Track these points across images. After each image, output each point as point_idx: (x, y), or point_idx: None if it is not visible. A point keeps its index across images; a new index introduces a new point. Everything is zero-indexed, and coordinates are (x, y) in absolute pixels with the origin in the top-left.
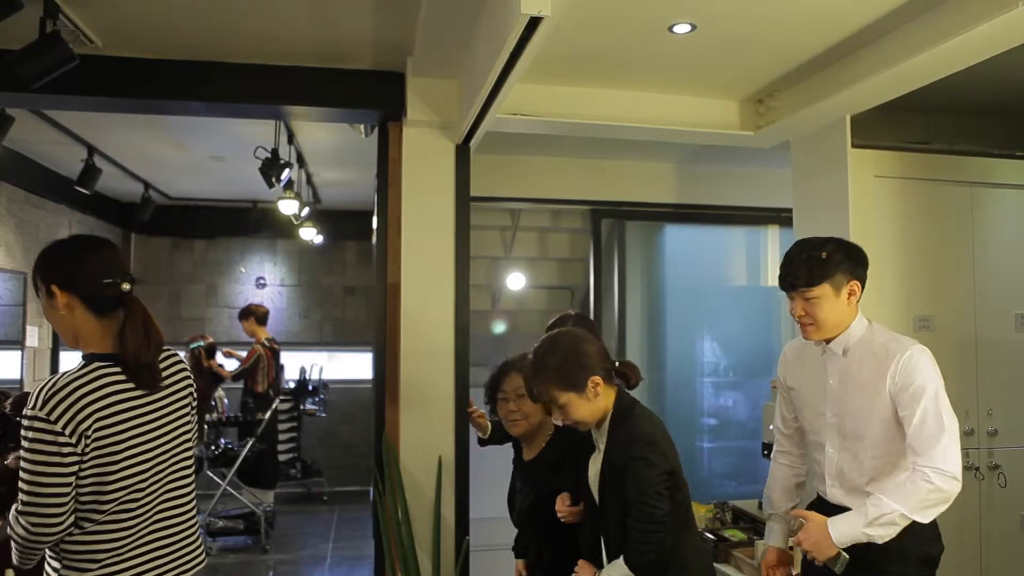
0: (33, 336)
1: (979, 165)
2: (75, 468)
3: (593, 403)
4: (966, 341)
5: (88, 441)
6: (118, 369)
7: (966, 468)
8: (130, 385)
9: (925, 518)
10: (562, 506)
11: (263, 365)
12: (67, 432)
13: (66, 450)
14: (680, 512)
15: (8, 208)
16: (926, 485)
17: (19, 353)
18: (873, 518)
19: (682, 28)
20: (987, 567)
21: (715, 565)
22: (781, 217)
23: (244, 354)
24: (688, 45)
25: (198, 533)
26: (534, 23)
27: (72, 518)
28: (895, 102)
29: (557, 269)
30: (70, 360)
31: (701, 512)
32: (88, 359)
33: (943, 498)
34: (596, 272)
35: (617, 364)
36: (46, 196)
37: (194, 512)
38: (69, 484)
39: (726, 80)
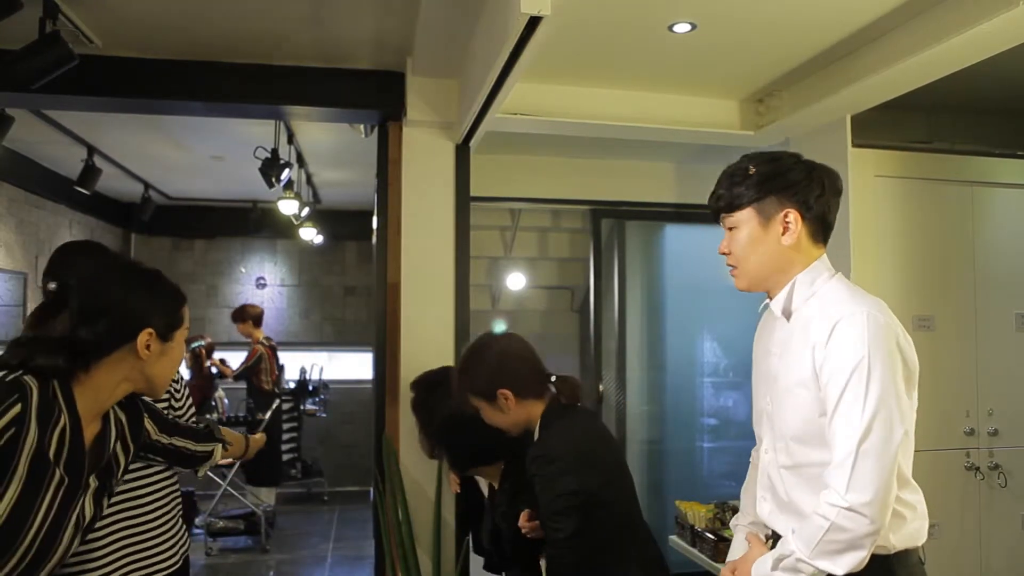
0: None
1: (980, 165)
2: None
3: (508, 414)
4: (967, 341)
5: None
6: None
7: (966, 468)
8: None
9: (835, 567)
10: (524, 521)
11: (265, 364)
12: None
13: None
14: (605, 533)
15: (8, 208)
16: (821, 522)
17: None
18: (776, 557)
19: (682, 27)
20: (987, 567)
21: (715, 565)
22: None
23: (234, 364)
24: (688, 44)
25: (165, 536)
26: (534, 23)
27: None
28: (896, 101)
29: (557, 269)
30: None
31: (701, 512)
32: None
33: (849, 540)
34: (596, 272)
35: (553, 379)
36: (46, 196)
37: (161, 514)
38: None
39: (726, 80)
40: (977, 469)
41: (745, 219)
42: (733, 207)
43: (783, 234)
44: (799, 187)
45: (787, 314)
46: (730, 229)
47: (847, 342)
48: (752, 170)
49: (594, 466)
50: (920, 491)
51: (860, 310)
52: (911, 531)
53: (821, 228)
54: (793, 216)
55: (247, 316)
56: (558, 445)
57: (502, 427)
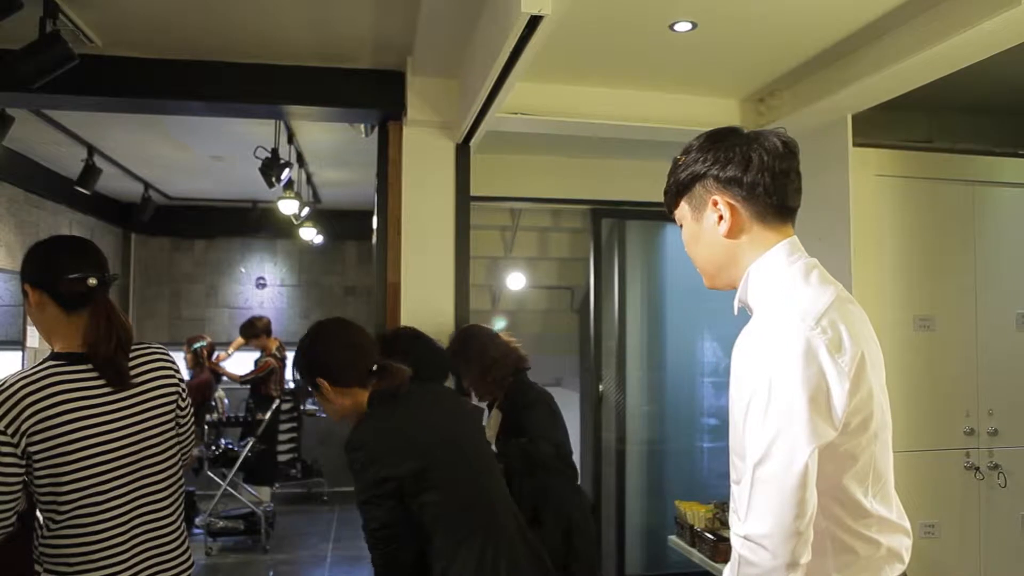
0: (33, 336)
1: (981, 164)
2: (13, 469)
3: (333, 403)
4: (967, 341)
5: (32, 439)
6: (80, 367)
7: (966, 468)
8: (89, 384)
9: None
10: None
11: (275, 376)
12: (9, 432)
13: (6, 449)
14: (429, 521)
15: (8, 208)
16: (734, 554)
17: (19, 353)
18: None
19: (683, 27)
20: (987, 567)
21: (715, 565)
22: None
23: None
24: (689, 44)
25: (182, 538)
26: (534, 22)
27: (12, 518)
28: (896, 101)
29: (557, 269)
30: None
31: (701, 512)
32: (48, 358)
33: (757, 575)
34: (596, 272)
35: (375, 368)
36: (46, 196)
37: (176, 516)
38: (5, 484)
39: (727, 79)
40: (977, 469)
41: (682, 214)
42: (670, 204)
43: (718, 223)
44: (721, 167)
45: (748, 308)
46: (681, 226)
47: (752, 360)
48: (680, 158)
49: (411, 453)
50: (899, 528)
51: (774, 321)
52: (864, 571)
53: (770, 207)
54: (721, 203)
55: (259, 330)
56: (366, 433)
57: (335, 417)
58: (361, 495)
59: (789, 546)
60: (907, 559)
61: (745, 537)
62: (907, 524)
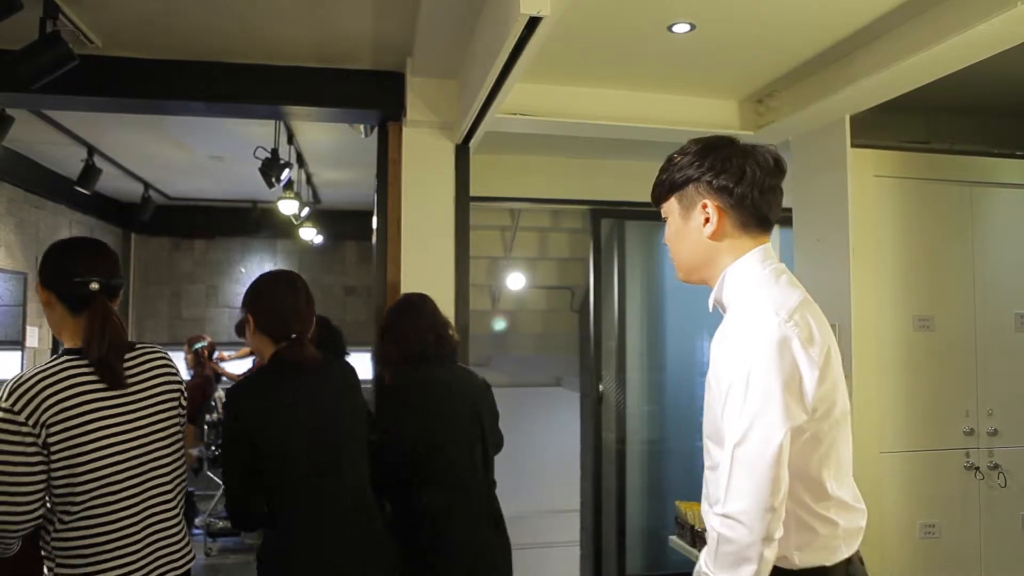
0: (33, 336)
1: (979, 165)
2: (39, 459)
3: (250, 338)
4: (966, 341)
5: (52, 432)
6: (87, 363)
7: (966, 468)
8: (98, 379)
9: None
10: None
11: None
12: (30, 423)
13: (28, 440)
14: (276, 481)
15: (8, 208)
16: (712, 533)
17: (19, 353)
18: (695, 572)
19: (681, 28)
20: (987, 567)
21: None
22: (781, 217)
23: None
24: (687, 45)
25: (184, 531)
26: (533, 23)
27: (40, 510)
28: (894, 102)
29: (557, 269)
30: None
31: (701, 512)
32: (62, 352)
33: (736, 552)
34: (596, 272)
35: (294, 336)
36: (46, 196)
37: (179, 510)
38: (33, 475)
39: (726, 80)
40: (977, 469)
41: (669, 209)
42: (659, 198)
43: (704, 225)
44: (715, 175)
45: (722, 307)
46: (665, 219)
47: (732, 352)
48: (677, 158)
49: (274, 419)
50: (855, 511)
51: (751, 315)
52: (822, 549)
53: (753, 218)
54: (711, 207)
55: None
56: (243, 390)
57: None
58: (222, 443)
59: (765, 521)
60: (859, 539)
61: (724, 515)
62: (863, 506)
